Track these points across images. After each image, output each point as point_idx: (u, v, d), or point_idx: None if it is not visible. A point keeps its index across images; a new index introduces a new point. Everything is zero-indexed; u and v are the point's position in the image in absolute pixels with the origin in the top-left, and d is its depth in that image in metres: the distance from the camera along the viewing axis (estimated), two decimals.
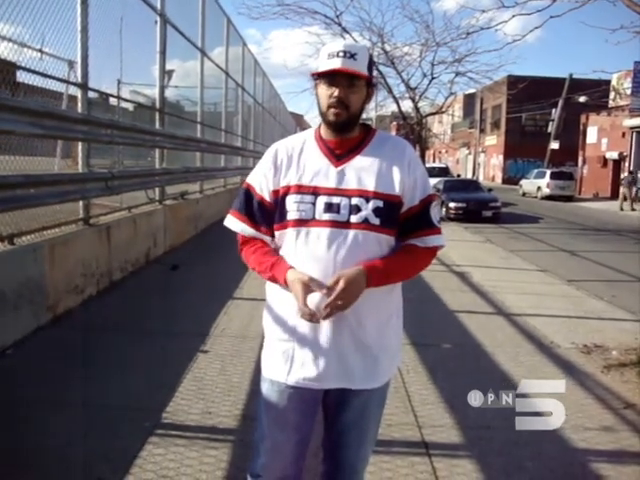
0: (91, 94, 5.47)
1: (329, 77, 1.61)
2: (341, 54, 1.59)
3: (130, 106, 7.81)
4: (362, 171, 1.64)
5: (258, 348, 3.79)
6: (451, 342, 4.47)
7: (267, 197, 1.69)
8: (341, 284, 1.53)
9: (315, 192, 1.63)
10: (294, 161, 1.68)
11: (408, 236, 1.67)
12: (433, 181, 17.63)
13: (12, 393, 3.19)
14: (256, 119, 18.28)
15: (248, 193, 1.73)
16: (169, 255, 7.52)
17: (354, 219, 1.60)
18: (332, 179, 1.64)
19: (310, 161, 1.67)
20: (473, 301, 5.94)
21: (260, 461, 1.74)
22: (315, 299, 1.55)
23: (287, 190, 1.65)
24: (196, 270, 6.77)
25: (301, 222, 1.62)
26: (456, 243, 9.99)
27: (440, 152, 52.87)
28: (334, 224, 1.60)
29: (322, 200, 1.61)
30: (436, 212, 1.71)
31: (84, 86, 5.21)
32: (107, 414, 3.01)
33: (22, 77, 4.50)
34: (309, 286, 1.55)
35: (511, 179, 37.61)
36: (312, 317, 1.56)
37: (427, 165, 19.25)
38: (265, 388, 1.73)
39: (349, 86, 1.60)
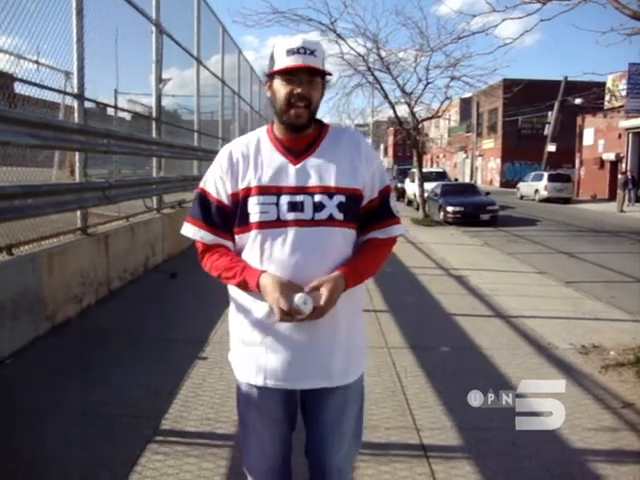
0: (88, 104, 5.51)
1: (288, 74, 1.56)
2: (301, 50, 1.55)
3: (127, 115, 7.85)
4: (321, 167, 1.61)
5: None
6: (449, 345, 4.48)
7: (226, 200, 1.63)
8: (325, 293, 1.51)
9: (277, 192, 1.58)
10: (251, 162, 1.63)
11: (370, 228, 1.67)
12: (431, 185, 17.65)
13: (11, 402, 3.19)
14: (253, 126, 18.32)
15: (204, 199, 1.67)
16: (168, 263, 7.53)
17: (319, 216, 1.58)
18: (292, 177, 1.60)
19: (268, 161, 1.62)
20: (471, 304, 5.95)
21: (248, 459, 1.79)
22: (297, 300, 1.50)
23: (247, 192, 1.60)
24: (195, 278, 6.74)
25: (265, 224, 1.58)
26: (454, 247, 10.01)
27: (438, 157, 52.98)
28: (299, 223, 1.57)
29: (285, 199, 1.58)
30: (395, 202, 1.72)
31: (80, 96, 5.24)
32: (106, 422, 3.02)
33: (19, 88, 4.54)
34: (287, 287, 1.52)
35: (509, 182, 37.63)
36: (290, 318, 1.51)
37: (424, 169, 19.18)
38: (242, 392, 1.73)
39: (310, 82, 1.57)
